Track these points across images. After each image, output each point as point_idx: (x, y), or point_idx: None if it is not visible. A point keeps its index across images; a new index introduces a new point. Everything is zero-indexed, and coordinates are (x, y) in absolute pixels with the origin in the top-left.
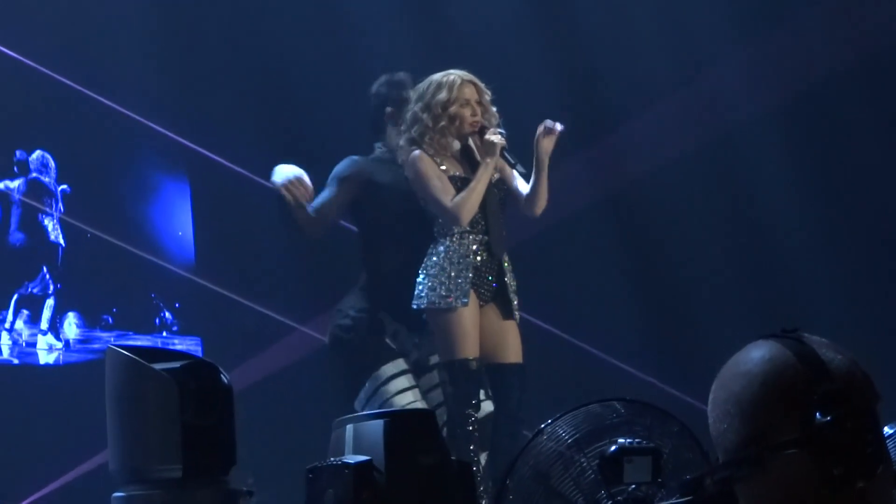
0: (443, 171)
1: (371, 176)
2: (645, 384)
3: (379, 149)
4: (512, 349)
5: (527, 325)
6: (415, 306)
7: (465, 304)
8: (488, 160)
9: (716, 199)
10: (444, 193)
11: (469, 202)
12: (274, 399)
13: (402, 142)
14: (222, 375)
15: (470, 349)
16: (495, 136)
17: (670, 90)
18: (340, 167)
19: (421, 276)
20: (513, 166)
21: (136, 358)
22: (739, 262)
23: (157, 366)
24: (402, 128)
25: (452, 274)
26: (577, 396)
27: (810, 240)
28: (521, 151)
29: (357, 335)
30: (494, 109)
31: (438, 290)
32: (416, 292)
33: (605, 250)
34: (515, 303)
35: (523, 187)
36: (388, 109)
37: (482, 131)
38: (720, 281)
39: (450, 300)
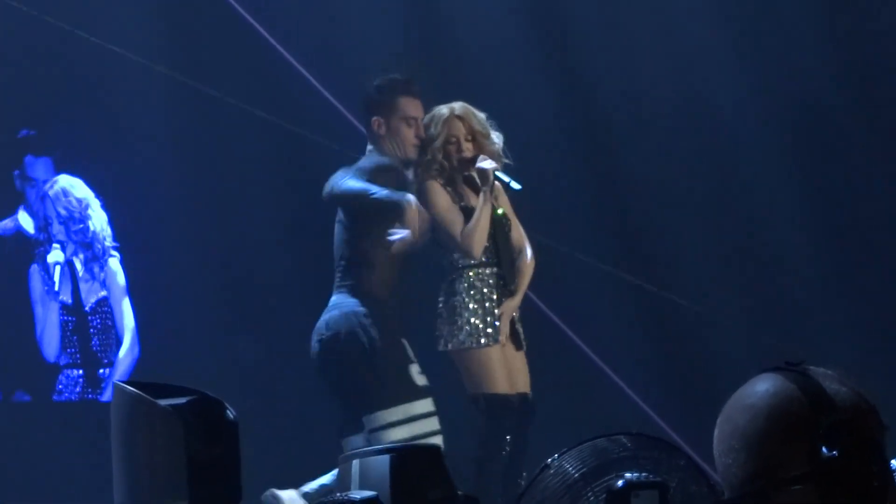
0: (458, 203)
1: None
2: (647, 414)
3: (371, 152)
4: (521, 379)
5: (531, 351)
6: (444, 348)
7: (498, 343)
8: (485, 188)
9: (723, 228)
10: (454, 226)
11: (476, 234)
12: (280, 431)
13: (410, 176)
14: (228, 410)
15: (506, 383)
16: (485, 163)
17: (672, 109)
18: (356, 172)
19: (445, 315)
20: (506, 185)
21: (142, 394)
22: (745, 293)
23: (163, 402)
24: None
25: (480, 313)
26: (580, 422)
27: (818, 270)
28: (520, 157)
29: (383, 341)
30: (495, 135)
31: (470, 330)
32: (441, 332)
33: (609, 280)
34: (522, 333)
35: (518, 236)
36: (374, 118)
37: (474, 162)
38: (726, 311)
39: (483, 341)
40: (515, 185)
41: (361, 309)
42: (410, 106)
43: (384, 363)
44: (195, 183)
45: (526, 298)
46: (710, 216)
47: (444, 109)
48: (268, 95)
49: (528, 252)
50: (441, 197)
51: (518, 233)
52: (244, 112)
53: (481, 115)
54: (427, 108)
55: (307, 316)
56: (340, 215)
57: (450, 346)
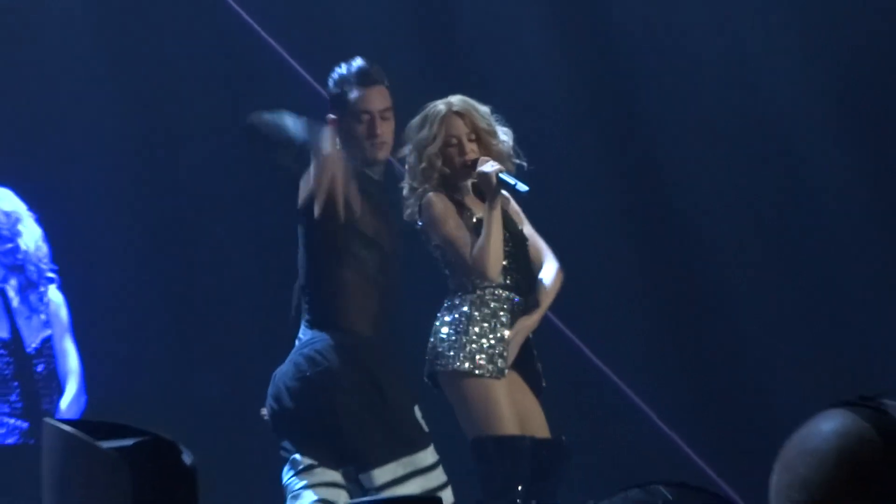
0: (468, 217)
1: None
2: (689, 457)
3: None
4: (538, 422)
5: (550, 379)
6: (440, 367)
7: (504, 375)
8: (490, 195)
9: (776, 231)
10: (464, 245)
11: (489, 251)
12: (245, 478)
13: (405, 191)
14: (184, 455)
15: (514, 424)
16: (486, 165)
17: (718, 95)
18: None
19: (445, 330)
20: (512, 188)
21: (79, 433)
22: (807, 309)
23: (106, 444)
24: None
25: (490, 336)
26: (609, 466)
27: (890, 285)
28: (534, 155)
29: (385, 379)
30: (502, 132)
31: (472, 352)
32: (437, 350)
33: (643, 298)
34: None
35: (535, 250)
36: (329, 117)
37: (475, 165)
38: (781, 333)
39: (486, 367)
40: (522, 187)
41: (350, 342)
42: (365, 98)
43: (392, 405)
44: (148, 193)
45: (544, 319)
46: (765, 220)
47: (439, 106)
48: (235, 86)
49: (552, 264)
50: (445, 212)
51: (535, 246)
52: (206, 108)
53: (484, 109)
54: (421, 102)
55: (280, 349)
56: (299, 228)
57: (440, 366)
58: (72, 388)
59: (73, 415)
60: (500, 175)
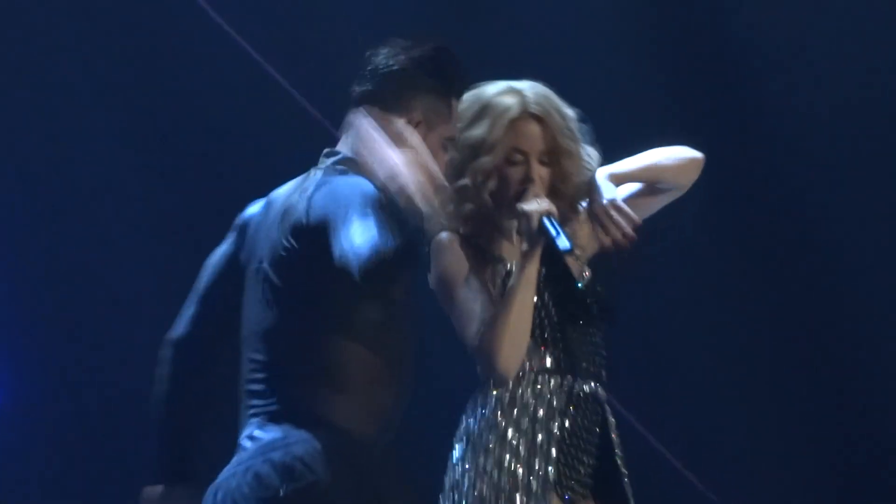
0: (498, 272)
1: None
2: None
3: (341, 171)
4: None
5: None
6: None
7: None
8: (525, 248)
9: None
10: (469, 319)
11: (499, 335)
12: None
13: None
14: None
15: None
16: (532, 203)
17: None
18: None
19: (457, 449)
20: (553, 242)
21: None
22: None
23: None
24: None
25: (525, 452)
26: None
27: None
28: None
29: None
30: (588, 153)
31: (500, 482)
32: (450, 477)
33: (738, 335)
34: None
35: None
36: (413, 112)
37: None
38: None
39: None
40: (563, 244)
41: (347, 447)
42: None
43: None
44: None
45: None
46: None
47: (506, 99)
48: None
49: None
50: (456, 266)
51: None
52: (98, 94)
53: (570, 114)
54: None
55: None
56: (275, 281)
57: (455, 500)
58: None
59: None
60: (545, 219)
